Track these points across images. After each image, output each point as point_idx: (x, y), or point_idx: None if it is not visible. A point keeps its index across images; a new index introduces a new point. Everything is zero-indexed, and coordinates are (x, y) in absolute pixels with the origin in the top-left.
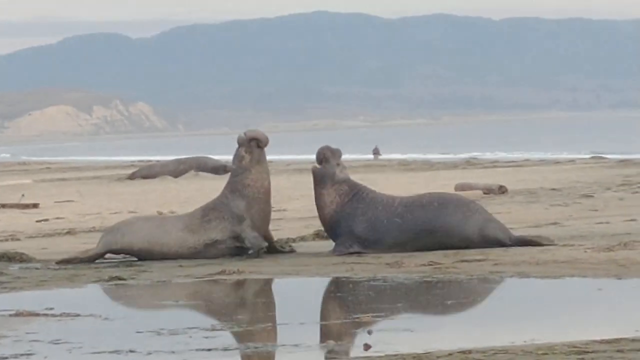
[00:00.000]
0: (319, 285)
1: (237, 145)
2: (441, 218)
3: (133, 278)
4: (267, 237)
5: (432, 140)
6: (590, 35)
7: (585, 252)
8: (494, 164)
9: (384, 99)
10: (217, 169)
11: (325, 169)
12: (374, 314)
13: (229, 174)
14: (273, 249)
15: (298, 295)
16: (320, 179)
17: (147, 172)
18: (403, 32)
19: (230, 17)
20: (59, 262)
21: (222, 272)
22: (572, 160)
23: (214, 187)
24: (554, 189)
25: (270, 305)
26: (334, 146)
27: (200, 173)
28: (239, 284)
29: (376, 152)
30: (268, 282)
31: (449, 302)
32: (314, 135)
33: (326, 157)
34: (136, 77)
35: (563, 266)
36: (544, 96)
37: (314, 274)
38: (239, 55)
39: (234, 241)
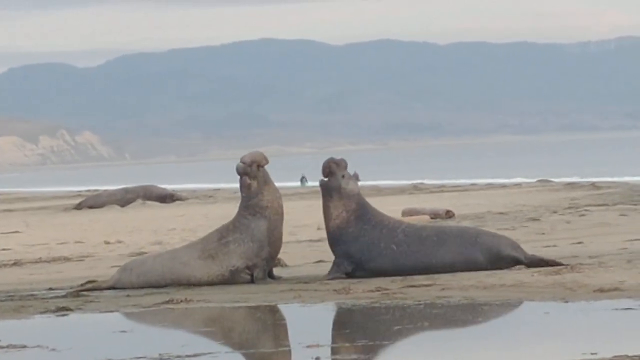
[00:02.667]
0: (267, 312)
1: (238, 177)
2: (438, 255)
3: (80, 309)
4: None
5: (379, 165)
6: (536, 59)
7: (532, 275)
8: (441, 188)
9: (331, 125)
10: (164, 197)
11: (330, 182)
12: (322, 341)
13: (240, 200)
14: (270, 275)
15: (246, 324)
16: (327, 192)
17: (94, 202)
18: (349, 58)
19: (176, 46)
20: (81, 286)
21: (170, 301)
22: (518, 184)
23: (161, 215)
24: (501, 213)
25: (218, 334)
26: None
27: (148, 202)
28: (187, 313)
29: (356, 177)
30: (216, 311)
31: (397, 328)
32: None
33: (332, 170)
34: (82, 106)
35: (510, 290)
36: (491, 120)
37: (262, 302)
38: (185, 83)
39: (247, 270)
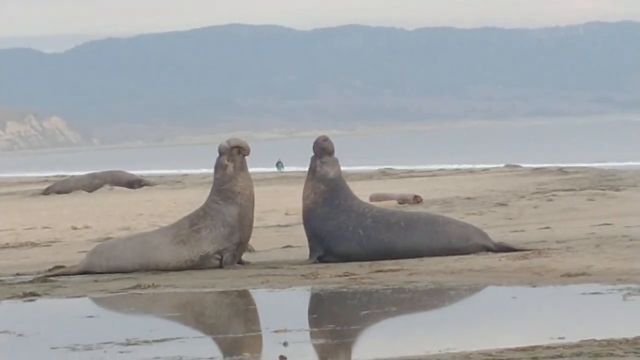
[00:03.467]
0: (235, 298)
1: (218, 155)
2: (405, 240)
3: (47, 294)
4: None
5: (347, 151)
6: (503, 44)
7: (500, 260)
8: (409, 174)
9: (299, 111)
10: (132, 183)
11: (310, 162)
12: (290, 326)
13: (213, 183)
14: (238, 260)
15: (214, 309)
16: (308, 170)
17: (61, 187)
18: (317, 43)
19: (144, 31)
20: (50, 271)
21: (137, 287)
22: (486, 169)
23: (129, 201)
24: (469, 198)
25: (186, 319)
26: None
27: (115, 187)
28: (154, 298)
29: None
30: (184, 296)
31: (364, 313)
32: None
33: (314, 151)
34: (50, 91)
35: (478, 275)
36: (459, 106)
37: (230, 287)
38: (153, 68)
39: (217, 255)
